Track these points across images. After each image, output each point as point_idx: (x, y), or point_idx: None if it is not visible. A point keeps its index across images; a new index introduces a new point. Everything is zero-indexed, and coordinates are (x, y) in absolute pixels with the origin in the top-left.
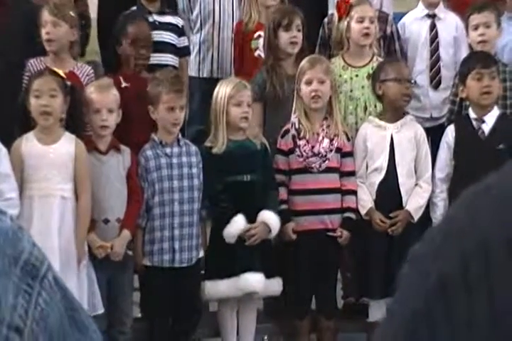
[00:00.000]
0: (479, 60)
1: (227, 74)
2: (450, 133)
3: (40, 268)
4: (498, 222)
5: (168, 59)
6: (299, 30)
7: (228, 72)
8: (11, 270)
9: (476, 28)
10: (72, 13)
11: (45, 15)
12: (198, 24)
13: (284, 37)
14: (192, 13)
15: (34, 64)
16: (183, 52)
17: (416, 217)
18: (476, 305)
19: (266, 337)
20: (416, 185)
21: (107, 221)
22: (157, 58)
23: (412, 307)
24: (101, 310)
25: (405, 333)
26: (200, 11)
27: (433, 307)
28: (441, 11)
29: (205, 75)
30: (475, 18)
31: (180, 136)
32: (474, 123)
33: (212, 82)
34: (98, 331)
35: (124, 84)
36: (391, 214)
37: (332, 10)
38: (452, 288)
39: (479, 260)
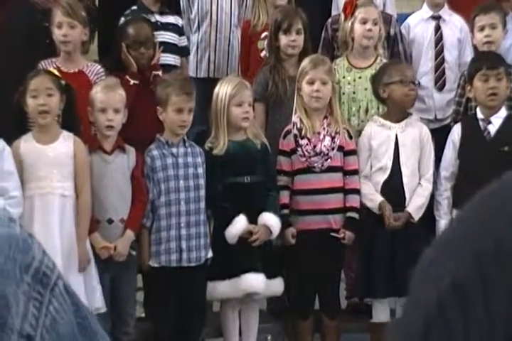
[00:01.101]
0: (486, 60)
1: (225, 75)
2: (456, 132)
3: (51, 276)
4: (510, 223)
5: (170, 59)
6: (298, 33)
7: (225, 72)
8: (22, 278)
9: (481, 29)
10: (82, 13)
11: (60, 17)
12: (196, 24)
13: (283, 40)
14: (191, 12)
15: (45, 65)
16: (183, 52)
17: (416, 216)
18: (493, 305)
19: (269, 337)
20: (419, 184)
21: (110, 221)
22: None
23: (425, 310)
24: (103, 309)
25: (420, 336)
26: (198, 11)
27: (448, 309)
28: (446, 12)
29: (202, 75)
30: (481, 20)
31: (185, 136)
32: (481, 123)
33: (209, 82)
34: (107, 337)
35: (132, 82)
36: (392, 215)
37: (336, 11)
38: (467, 289)
39: (494, 260)
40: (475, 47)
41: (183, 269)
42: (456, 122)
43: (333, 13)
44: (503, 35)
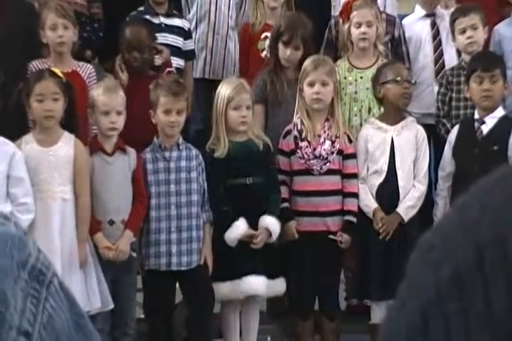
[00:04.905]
0: (482, 62)
1: (220, 77)
2: (453, 133)
3: (47, 273)
4: None
5: (172, 61)
6: (297, 49)
7: (221, 74)
8: (20, 274)
9: (463, 31)
10: (72, 14)
11: (54, 18)
12: (194, 23)
13: (281, 50)
14: (189, 12)
15: (36, 66)
16: (188, 56)
17: (406, 217)
18: (494, 296)
19: (269, 338)
20: (413, 185)
21: (112, 222)
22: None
23: (423, 299)
24: (110, 306)
25: (417, 326)
26: (197, 11)
27: (446, 299)
28: (440, 9)
29: (197, 76)
30: (462, 22)
31: (180, 140)
32: (475, 123)
33: (204, 83)
34: (100, 338)
35: (126, 82)
36: (382, 221)
37: (334, 12)
38: (467, 279)
39: (496, 250)
40: (458, 51)
41: (174, 272)
42: (437, 120)
43: (333, 13)
44: (484, 35)
